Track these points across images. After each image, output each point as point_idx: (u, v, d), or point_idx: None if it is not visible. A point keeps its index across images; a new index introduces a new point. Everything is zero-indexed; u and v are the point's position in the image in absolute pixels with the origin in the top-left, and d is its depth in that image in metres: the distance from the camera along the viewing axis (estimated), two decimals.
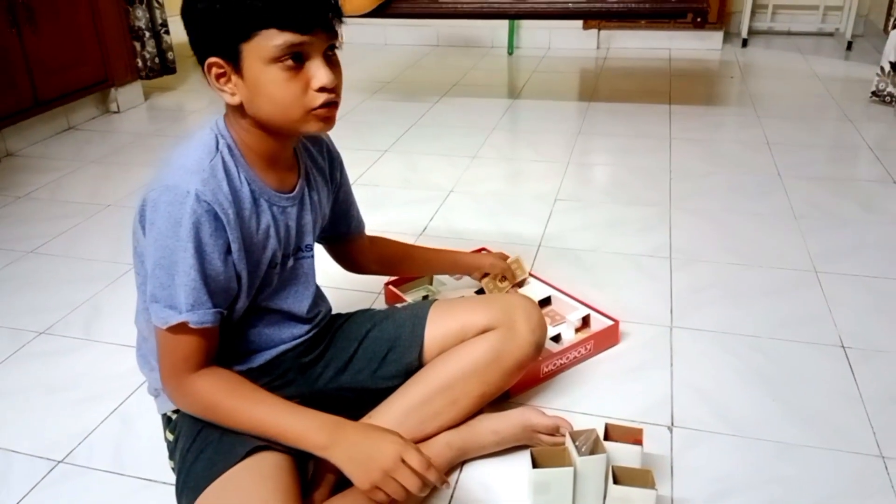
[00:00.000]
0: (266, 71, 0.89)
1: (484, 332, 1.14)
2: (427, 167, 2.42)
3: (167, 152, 0.97)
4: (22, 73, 2.53)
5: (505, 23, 4.01)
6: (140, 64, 3.15)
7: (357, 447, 0.92)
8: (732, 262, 1.76)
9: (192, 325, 0.92)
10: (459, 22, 4.09)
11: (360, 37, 4.13)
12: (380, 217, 1.99)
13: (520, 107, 3.10)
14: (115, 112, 3.07)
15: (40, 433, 1.26)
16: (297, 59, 0.90)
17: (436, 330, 1.16)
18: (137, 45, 3.13)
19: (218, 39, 0.90)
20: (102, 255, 1.85)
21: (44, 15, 2.60)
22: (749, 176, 2.28)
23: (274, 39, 0.88)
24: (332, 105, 0.94)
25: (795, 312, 1.55)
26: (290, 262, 1.07)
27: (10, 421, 1.29)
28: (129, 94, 3.11)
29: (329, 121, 0.95)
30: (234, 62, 0.90)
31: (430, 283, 1.64)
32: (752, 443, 1.20)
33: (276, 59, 0.89)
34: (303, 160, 1.08)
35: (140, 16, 3.11)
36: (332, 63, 0.94)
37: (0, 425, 1.28)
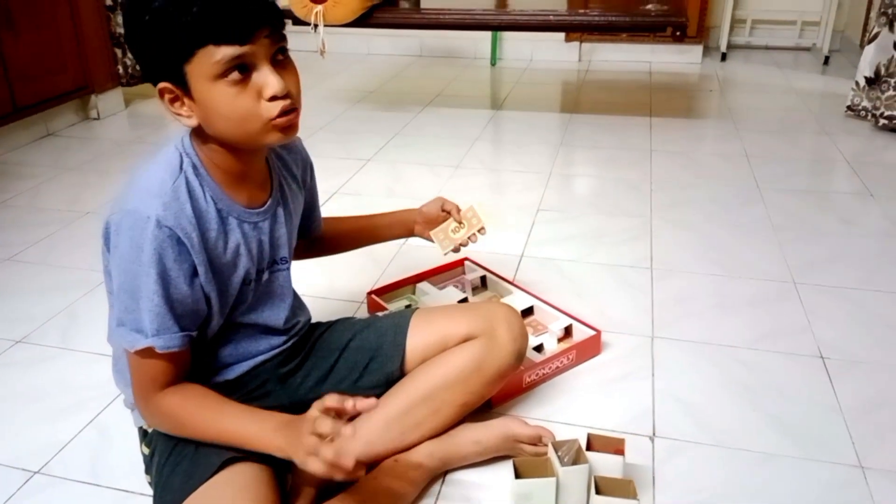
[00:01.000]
0: (213, 89, 0.87)
1: (465, 340, 1.14)
2: (410, 177, 2.42)
3: (131, 171, 0.95)
4: (0, 78, 2.50)
5: (488, 34, 4.03)
6: (121, 71, 3.12)
7: (299, 440, 0.85)
8: (713, 273, 1.78)
9: (158, 350, 0.91)
10: (442, 33, 4.09)
11: (343, 46, 4.14)
12: None
13: (502, 118, 3.11)
14: (95, 119, 3.04)
15: (16, 443, 1.24)
16: (242, 70, 0.86)
17: (417, 339, 1.15)
18: (118, 52, 3.11)
19: (161, 64, 0.88)
20: (80, 264, 1.83)
21: (23, 20, 2.58)
22: (728, 188, 2.30)
23: (213, 56, 0.84)
24: (291, 112, 0.91)
25: (775, 323, 1.56)
26: (266, 276, 1.06)
27: None
28: (109, 101, 3.08)
29: (290, 129, 0.92)
30: (183, 85, 0.88)
31: (413, 293, 1.64)
32: (733, 453, 1.20)
33: (221, 76, 0.86)
34: (276, 171, 1.07)
35: (121, 22, 3.08)
36: (284, 67, 0.90)
37: None
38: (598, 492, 1.01)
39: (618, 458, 1.06)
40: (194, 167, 0.95)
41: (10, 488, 1.14)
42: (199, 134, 0.95)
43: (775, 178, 2.37)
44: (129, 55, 3.13)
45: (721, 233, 1.99)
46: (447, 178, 2.39)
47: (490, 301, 1.55)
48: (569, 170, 2.50)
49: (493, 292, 1.65)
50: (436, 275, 1.67)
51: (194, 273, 0.93)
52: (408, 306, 1.58)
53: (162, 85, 0.89)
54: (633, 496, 1.00)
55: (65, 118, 2.93)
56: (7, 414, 1.31)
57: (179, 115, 0.91)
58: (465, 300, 1.57)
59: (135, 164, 0.98)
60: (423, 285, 1.63)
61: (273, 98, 0.88)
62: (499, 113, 3.17)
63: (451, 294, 1.59)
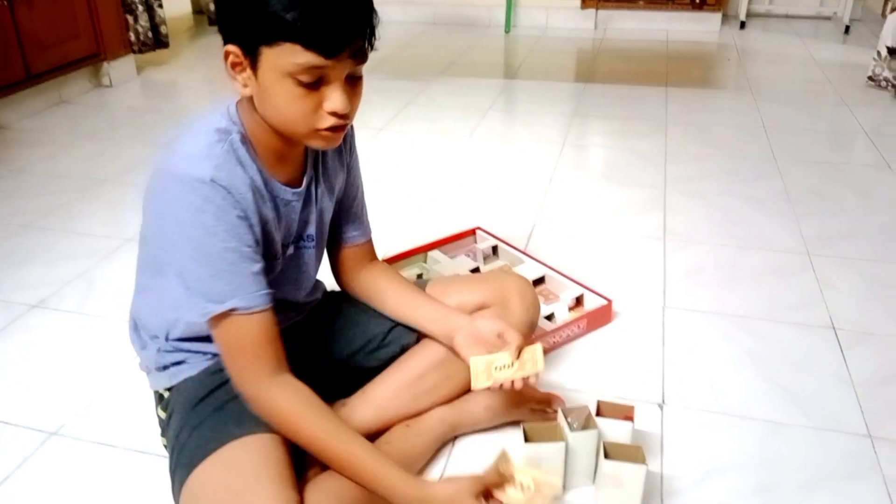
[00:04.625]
0: (280, 82, 0.85)
1: (479, 309, 1.14)
2: (422, 147, 2.41)
3: (169, 136, 0.93)
4: (14, 45, 2.50)
5: (502, 1, 3.98)
6: (132, 38, 3.11)
7: None
8: (726, 244, 1.77)
9: (241, 312, 0.89)
10: (456, 0, 4.06)
11: None
12: (376, 196, 1.98)
13: (516, 87, 3.08)
14: (107, 86, 3.04)
15: (33, 405, 1.26)
16: (315, 82, 0.85)
17: None
18: (130, 19, 3.09)
19: (241, 32, 0.85)
20: (96, 230, 1.84)
21: None
22: (745, 159, 2.28)
23: (296, 56, 0.82)
24: (340, 127, 0.90)
25: (788, 295, 1.56)
26: (291, 251, 1.05)
27: (3, 393, 1.29)
28: (121, 69, 3.08)
29: (333, 140, 0.91)
30: (252, 58, 0.86)
31: (425, 262, 1.65)
32: (742, 422, 1.21)
33: (293, 75, 0.84)
34: (312, 151, 1.04)
35: None
36: (353, 87, 0.89)
37: None
38: (606, 457, 1.02)
39: (627, 424, 1.07)
40: (241, 136, 0.92)
41: (28, 449, 1.16)
42: (246, 106, 0.93)
43: (793, 149, 2.34)
44: (141, 22, 3.12)
45: (736, 205, 1.98)
46: (460, 147, 2.38)
47: (503, 271, 1.56)
48: (583, 140, 2.48)
49: (504, 261, 1.66)
50: (447, 244, 1.67)
51: (252, 230, 0.91)
52: (419, 275, 1.59)
53: (230, 48, 0.87)
54: (642, 461, 1.01)
55: (78, 86, 2.94)
56: (25, 377, 1.34)
57: (236, 80, 0.89)
58: (476, 269, 1.57)
59: (157, 131, 0.96)
60: (435, 254, 1.63)
61: (333, 114, 0.87)
62: (512, 82, 3.14)
63: (463, 263, 1.59)
